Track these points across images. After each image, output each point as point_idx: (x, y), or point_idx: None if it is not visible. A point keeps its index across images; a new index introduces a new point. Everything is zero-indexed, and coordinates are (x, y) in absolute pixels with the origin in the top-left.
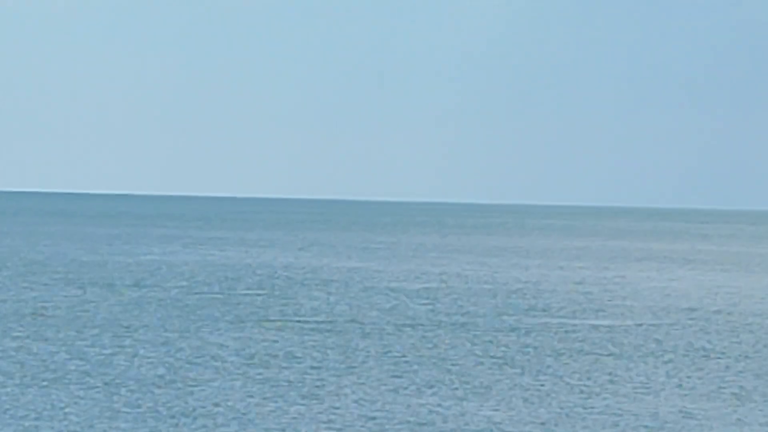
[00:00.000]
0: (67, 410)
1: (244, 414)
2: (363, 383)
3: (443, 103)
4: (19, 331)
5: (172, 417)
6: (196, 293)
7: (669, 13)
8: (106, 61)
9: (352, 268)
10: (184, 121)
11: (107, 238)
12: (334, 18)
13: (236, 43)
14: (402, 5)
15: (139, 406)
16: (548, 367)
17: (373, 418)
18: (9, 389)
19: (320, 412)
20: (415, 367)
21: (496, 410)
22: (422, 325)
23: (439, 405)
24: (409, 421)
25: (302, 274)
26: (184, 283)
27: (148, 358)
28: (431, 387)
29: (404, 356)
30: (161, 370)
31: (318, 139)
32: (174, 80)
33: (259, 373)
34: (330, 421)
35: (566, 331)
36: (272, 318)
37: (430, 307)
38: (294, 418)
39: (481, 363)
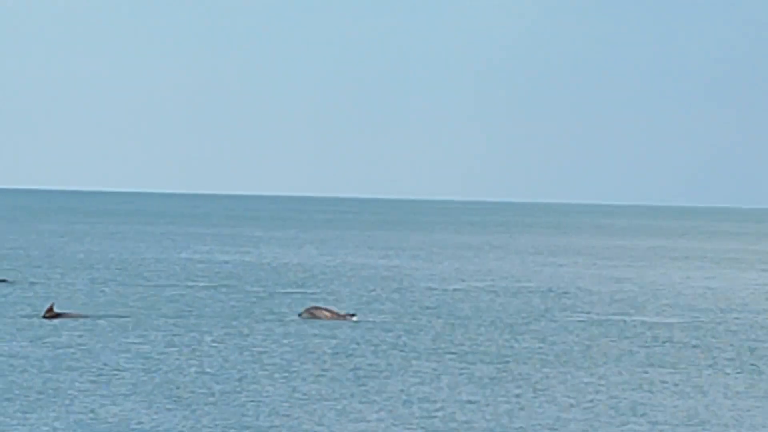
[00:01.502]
0: (122, 405)
1: (295, 410)
2: (413, 380)
3: (470, 101)
4: (76, 330)
5: (224, 413)
6: (241, 292)
7: (689, 11)
8: (133, 59)
9: (392, 266)
10: (211, 119)
11: (140, 237)
12: (356, 16)
13: (258, 42)
14: (424, 3)
15: (191, 402)
16: (597, 364)
17: (426, 416)
18: (73, 384)
19: (373, 409)
20: (464, 364)
21: (550, 406)
22: (467, 323)
23: (492, 402)
24: (457, 419)
25: (342, 271)
26: (229, 282)
27: (200, 355)
28: (483, 384)
29: (452, 354)
30: (213, 368)
31: (342, 137)
32: (200, 79)
33: (310, 370)
34: (382, 418)
35: (613, 330)
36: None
37: (473, 305)
38: (346, 413)
39: (530, 360)
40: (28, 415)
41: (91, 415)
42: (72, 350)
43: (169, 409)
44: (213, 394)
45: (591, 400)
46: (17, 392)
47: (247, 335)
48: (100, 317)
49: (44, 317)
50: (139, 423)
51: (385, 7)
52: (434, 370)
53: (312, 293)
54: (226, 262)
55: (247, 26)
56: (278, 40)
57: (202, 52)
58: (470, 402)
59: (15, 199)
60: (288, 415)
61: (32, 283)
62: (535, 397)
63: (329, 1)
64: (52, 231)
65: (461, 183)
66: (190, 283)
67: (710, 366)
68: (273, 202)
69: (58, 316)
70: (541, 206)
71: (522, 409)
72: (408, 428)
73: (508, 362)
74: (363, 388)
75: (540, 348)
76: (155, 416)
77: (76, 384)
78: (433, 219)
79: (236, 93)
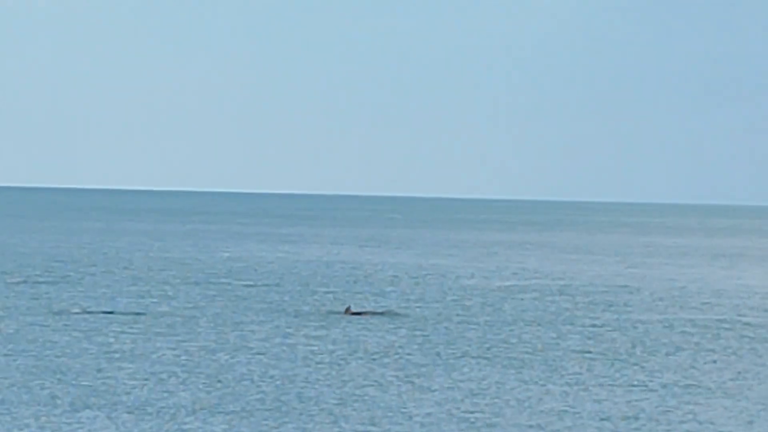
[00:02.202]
0: (172, 403)
1: (343, 407)
2: (459, 378)
3: (510, 100)
4: (130, 329)
5: (273, 410)
6: (286, 290)
7: (731, 7)
8: (177, 57)
9: (436, 265)
10: (250, 118)
11: (184, 236)
12: (397, 15)
13: (299, 39)
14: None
15: (240, 400)
16: (644, 362)
17: (473, 413)
18: (124, 381)
19: (421, 406)
20: (510, 362)
21: (596, 404)
22: (512, 321)
23: (538, 400)
24: (504, 416)
25: (384, 270)
26: (273, 281)
27: (248, 353)
28: (529, 381)
29: (498, 352)
30: (261, 366)
31: (376, 135)
32: (238, 79)
33: (357, 368)
34: (430, 414)
35: (659, 328)
36: (364, 313)
37: (516, 303)
38: (394, 410)
39: (576, 358)
40: (79, 413)
41: (140, 412)
42: (121, 347)
43: (217, 407)
44: (262, 392)
45: (638, 399)
46: (69, 389)
47: (294, 333)
48: (148, 315)
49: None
50: (190, 420)
51: (417, 6)
52: (481, 367)
53: (356, 291)
54: (269, 261)
55: (297, 25)
56: (310, 40)
57: (239, 50)
58: (517, 399)
59: (54, 197)
60: (336, 413)
61: (74, 282)
62: (581, 395)
63: (379, 2)
64: (92, 229)
65: (494, 181)
66: (235, 282)
67: (758, 364)
68: (310, 201)
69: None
70: (570, 204)
71: (568, 406)
72: (456, 425)
73: (554, 360)
74: (410, 385)
75: (585, 346)
76: (205, 414)
77: (127, 381)
78: (469, 217)
79: (270, 92)
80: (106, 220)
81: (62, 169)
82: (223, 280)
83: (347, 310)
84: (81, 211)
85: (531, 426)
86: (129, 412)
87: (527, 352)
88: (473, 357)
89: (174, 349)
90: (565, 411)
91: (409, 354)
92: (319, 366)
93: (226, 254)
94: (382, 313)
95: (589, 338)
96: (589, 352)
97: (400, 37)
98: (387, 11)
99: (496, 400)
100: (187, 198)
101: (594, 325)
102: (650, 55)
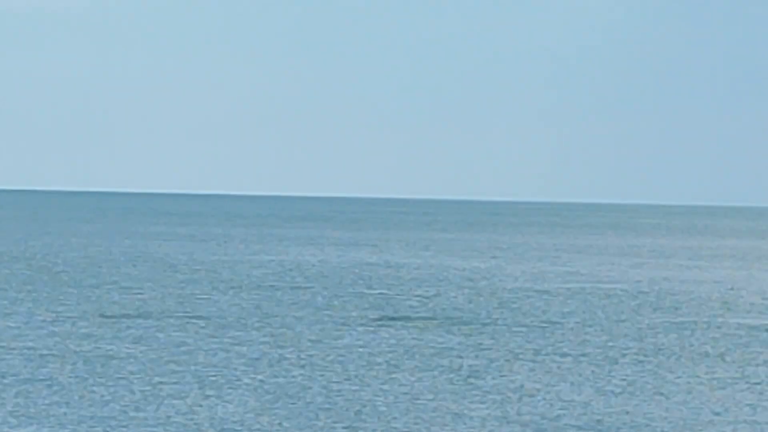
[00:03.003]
0: (224, 406)
1: (395, 410)
2: (511, 380)
3: (553, 101)
4: (174, 332)
5: (325, 413)
6: (333, 293)
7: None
8: (221, 61)
9: (482, 269)
10: (291, 121)
11: (224, 239)
12: (439, 17)
13: (341, 43)
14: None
15: (288, 404)
16: (694, 364)
17: (526, 415)
18: (173, 385)
19: (474, 409)
20: (566, 364)
21: (648, 405)
22: (561, 324)
23: (590, 402)
24: (556, 418)
25: (433, 273)
26: (318, 283)
27: (298, 356)
28: (581, 383)
29: (549, 354)
30: (311, 369)
31: (417, 139)
32: (281, 81)
33: (409, 371)
34: (483, 417)
35: (707, 331)
36: (414, 317)
37: (564, 306)
38: (447, 414)
39: (626, 360)
40: (132, 415)
41: (191, 416)
42: (171, 351)
43: (268, 410)
44: (312, 396)
45: (690, 400)
46: (120, 392)
47: (343, 336)
48: (195, 319)
49: None
50: (240, 423)
51: (464, 7)
52: (532, 370)
53: (402, 294)
54: (313, 264)
55: (343, 29)
56: (365, 42)
57: (293, 54)
58: (569, 401)
59: (93, 201)
60: (388, 416)
61: (120, 286)
62: (633, 397)
63: (420, 5)
64: (133, 233)
65: (530, 184)
66: (282, 285)
67: None
68: (348, 204)
69: None
70: (609, 207)
71: (621, 408)
72: (509, 427)
73: (604, 362)
74: (463, 388)
75: (635, 348)
76: (255, 416)
77: (177, 384)
78: (511, 220)
79: (311, 95)
80: (146, 224)
81: (99, 173)
82: (270, 283)
83: None
84: (120, 215)
85: (583, 428)
86: (180, 416)
87: (577, 355)
88: (524, 360)
89: (223, 352)
90: (618, 413)
91: (460, 357)
92: (370, 369)
93: (270, 257)
94: (430, 318)
95: (639, 340)
96: (639, 353)
97: (436, 40)
98: (425, 15)
99: (548, 403)
100: (221, 201)
101: (643, 327)
102: (686, 57)
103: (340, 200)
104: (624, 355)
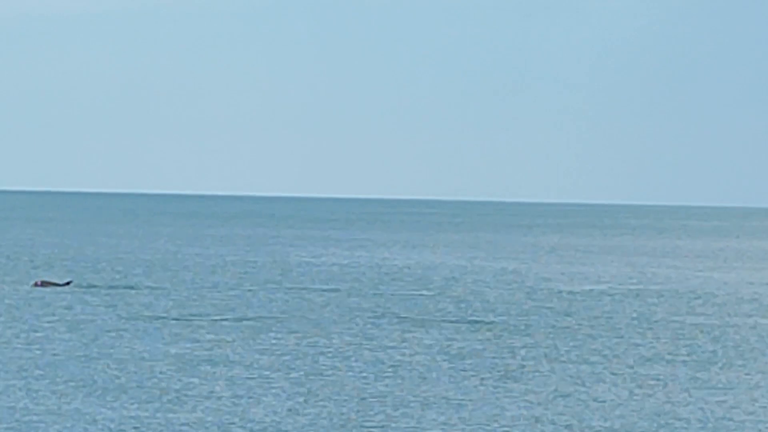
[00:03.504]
0: (262, 406)
1: (431, 410)
2: (551, 381)
3: (578, 103)
4: (213, 334)
5: (357, 413)
6: (365, 294)
7: None
8: (244, 62)
9: (513, 270)
10: (325, 122)
11: (255, 240)
12: (468, 18)
13: (365, 45)
14: (535, 3)
15: (324, 403)
16: (730, 364)
17: (566, 415)
18: (210, 385)
19: (513, 410)
20: (599, 365)
21: (689, 407)
22: (595, 324)
23: (630, 402)
24: (595, 418)
25: (464, 274)
26: (350, 285)
27: (333, 357)
28: (620, 384)
29: (583, 354)
30: (346, 369)
31: (451, 139)
32: (308, 84)
33: (445, 371)
34: (524, 417)
35: (747, 332)
36: (447, 318)
37: (600, 307)
38: (486, 414)
39: (662, 360)
40: (165, 415)
41: (224, 416)
42: (203, 352)
43: (301, 410)
44: (347, 395)
45: (726, 400)
46: (154, 393)
47: (377, 337)
48: (226, 319)
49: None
50: (274, 424)
51: (498, 9)
52: (565, 370)
53: (433, 295)
54: (345, 265)
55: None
56: (396, 43)
57: (336, 53)
58: (603, 402)
59: (118, 203)
60: (421, 415)
61: (154, 287)
62: (667, 399)
63: (451, 6)
64: (164, 234)
65: (563, 185)
66: (315, 286)
67: None
68: (375, 205)
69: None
70: (636, 208)
71: (655, 410)
72: (541, 427)
73: (639, 364)
74: (495, 388)
75: (670, 349)
76: (289, 416)
77: (209, 385)
78: (539, 221)
79: (336, 98)
80: (176, 225)
81: (126, 174)
82: (302, 284)
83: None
84: (150, 216)
85: (618, 430)
86: (212, 416)
87: (611, 356)
88: (558, 361)
89: (257, 353)
90: (653, 415)
91: (494, 358)
92: (403, 371)
93: (301, 259)
94: (463, 319)
95: (673, 341)
96: (673, 355)
97: (461, 41)
98: (451, 16)
99: (583, 404)
100: (248, 203)
101: (677, 329)
102: (712, 58)
103: (366, 202)
104: (658, 357)
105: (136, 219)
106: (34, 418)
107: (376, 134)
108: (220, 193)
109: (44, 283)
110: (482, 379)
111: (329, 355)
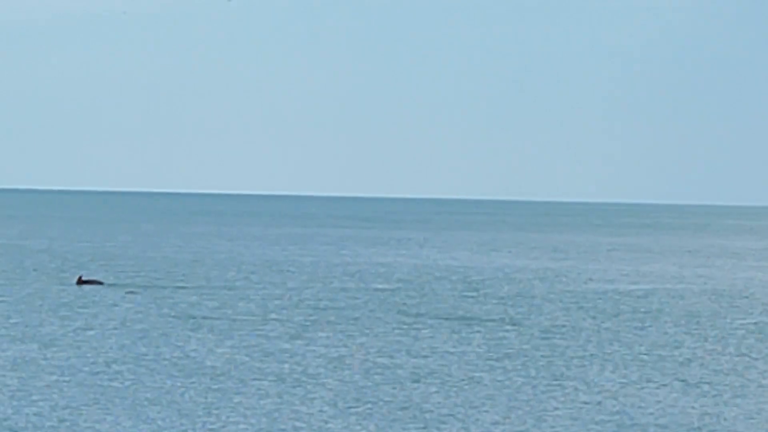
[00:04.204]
0: (308, 406)
1: (479, 408)
2: (598, 379)
3: (610, 102)
4: (259, 332)
5: (405, 410)
6: (409, 294)
7: None
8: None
9: (557, 269)
10: (356, 123)
11: (294, 239)
12: (498, 16)
13: (410, 46)
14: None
15: (372, 401)
16: None
17: (612, 416)
18: (257, 385)
19: (560, 411)
20: (648, 364)
21: (738, 409)
22: (643, 325)
23: (673, 402)
24: (639, 419)
25: (507, 274)
26: (395, 284)
27: (381, 355)
28: (667, 385)
29: (629, 355)
30: (394, 367)
31: (480, 140)
32: (338, 82)
33: (488, 371)
34: (572, 417)
35: None
36: (492, 318)
37: (645, 306)
38: (529, 415)
39: (706, 360)
40: (214, 413)
41: (273, 415)
42: (251, 351)
43: (349, 409)
44: (395, 393)
45: None
46: (202, 391)
47: (424, 336)
48: (273, 319)
49: None
50: (322, 422)
51: (522, 10)
52: (613, 371)
53: (478, 296)
54: (388, 264)
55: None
56: (427, 44)
57: (376, 53)
58: (650, 402)
59: (161, 202)
60: (468, 414)
61: (199, 286)
62: (713, 398)
63: (467, 7)
64: (205, 233)
65: (594, 184)
66: (359, 285)
67: None
68: (416, 205)
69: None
70: (672, 208)
71: (702, 409)
72: (590, 428)
73: (685, 363)
74: (543, 387)
75: (716, 349)
76: (337, 415)
77: (258, 384)
78: (575, 221)
79: (378, 98)
80: (215, 224)
81: (162, 173)
82: (348, 284)
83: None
84: (188, 216)
85: (665, 428)
86: (261, 415)
87: (657, 355)
88: (605, 360)
89: (307, 352)
90: (699, 414)
91: (540, 357)
92: (450, 370)
93: (346, 258)
94: (509, 319)
95: (719, 341)
96: (719, 354)
97: (510, 41)
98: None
99: (630, 403)
100: (285, 202)
101: (722, 328)
102: (755, 56)
103: (406, 202)
104: (705, 356)
105: (174, 218)
106: (83, 414)
107: (417, 136)
108: (251, 192)
109: (87, 281)
110: (529, 378)
111: (376, 354)
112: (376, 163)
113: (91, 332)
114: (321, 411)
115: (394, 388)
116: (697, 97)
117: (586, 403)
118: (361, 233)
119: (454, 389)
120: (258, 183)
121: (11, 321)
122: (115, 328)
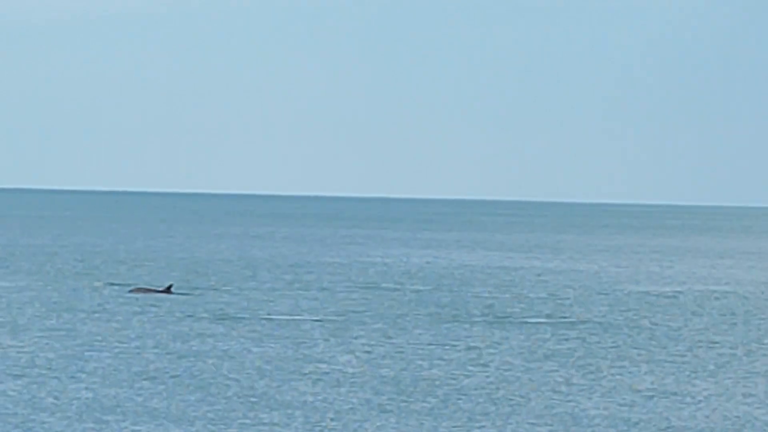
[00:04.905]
0: (339, 407)
1: (516, 409)
2: (636, 380)
3: (633, 104)
4: (291, 334)
5: (439, 412)
6: (444, 294)
7: None
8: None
9: (585, 270)
10: (378, 124)
11: (324, 240)
12: (498, 16)
13: (430, 45)
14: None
15: (407, 403)
16: None
17: (642, 416)
18: (291, 385)
19: (588, 410)
20: (677, 366)
21: (763, 411)
22: (680, 326)
23: (720, 403)
24: (670, 420)
25: (539, 275)
26: (429, 285)
27: (416, 357)
28: (699, 386)
29: (661, 355)
30: (429, 369)
31: (502, 141)
32: (370, 82)
33: (520, 371)
34: (603, 416)
35: None
36: (524, 318)
37: (683, 307)
38: (570, 414)
39: (738, 363)
40: (249, 413)
41: (310, 414)
42: (287, 350)
43: (386, 407)
44: (430, 395)
45: None
46: (238, 391)
47: (459, 337)
48: (307, 319)
49: None
50: (360, 422)
51: (532, 11)
52: (646, 372)
53: (514, 296)
54: (421, 265)
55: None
56: (439, 45)
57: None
58: (684, 404)
59: (190, 203)
60: (505, 415)
61: (228, 288)
62: (747, 402)
63: (476, 8)
64: (231, 234)
65: (621, 185)
66: (393, 285)
67: None
68: (442, 205)
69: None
70: (703, 209)
71: (735, 412)
72: (623, 429)
73: (717, 365)
74: (581, 388)
75: (749, 352)
76: (376, 414)
77: (294, 383)
78: (612, 222)
79: (407, 98)
80: (242, 225)
81: (185, 174)
82: (381, 283)
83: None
84: (217, 216)
85: (701, 429)
86: (298, 414)
87: (690, 356)
88: (637, 361)
89: (344, 353)
90: (732, 417)
91: (572, 358)
92: (487, 369)
93: (377, 258)
94: (541, 319)
95: (751, 343)
96: (752, 357)
97: (529, 41)
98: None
99: (663, 404)
100: (312, 203)
101: (753, 331)
102: (755, 55)
103: (433, 202)
104: (741, 357)
105: (202, 219)
106: (124, 414)
107: (440, 136)
108: (281, 193)
109: (141, 290)
110: (566, 378)
111: (413, 355)
112: (385, 163)
113: (129, 332)
114: (359, 410)
115: (430, 388)
116: (717, 98)
117: (622, 405)
118: (389, 234)
119: (491, 389)
120: (273, 184)
121: (49, 322)
122: (153, 329)
